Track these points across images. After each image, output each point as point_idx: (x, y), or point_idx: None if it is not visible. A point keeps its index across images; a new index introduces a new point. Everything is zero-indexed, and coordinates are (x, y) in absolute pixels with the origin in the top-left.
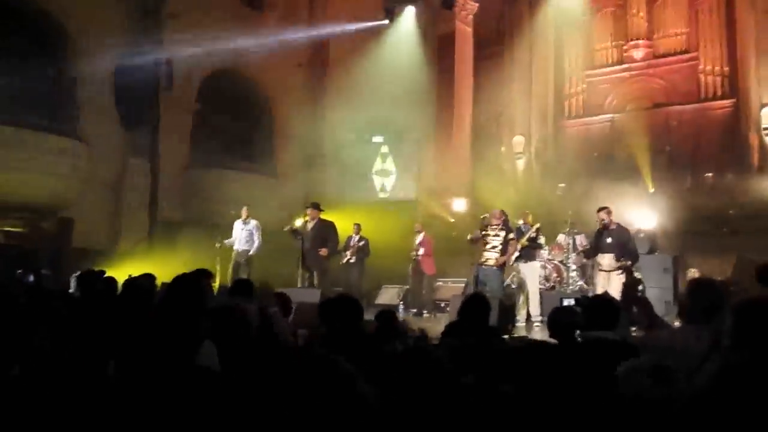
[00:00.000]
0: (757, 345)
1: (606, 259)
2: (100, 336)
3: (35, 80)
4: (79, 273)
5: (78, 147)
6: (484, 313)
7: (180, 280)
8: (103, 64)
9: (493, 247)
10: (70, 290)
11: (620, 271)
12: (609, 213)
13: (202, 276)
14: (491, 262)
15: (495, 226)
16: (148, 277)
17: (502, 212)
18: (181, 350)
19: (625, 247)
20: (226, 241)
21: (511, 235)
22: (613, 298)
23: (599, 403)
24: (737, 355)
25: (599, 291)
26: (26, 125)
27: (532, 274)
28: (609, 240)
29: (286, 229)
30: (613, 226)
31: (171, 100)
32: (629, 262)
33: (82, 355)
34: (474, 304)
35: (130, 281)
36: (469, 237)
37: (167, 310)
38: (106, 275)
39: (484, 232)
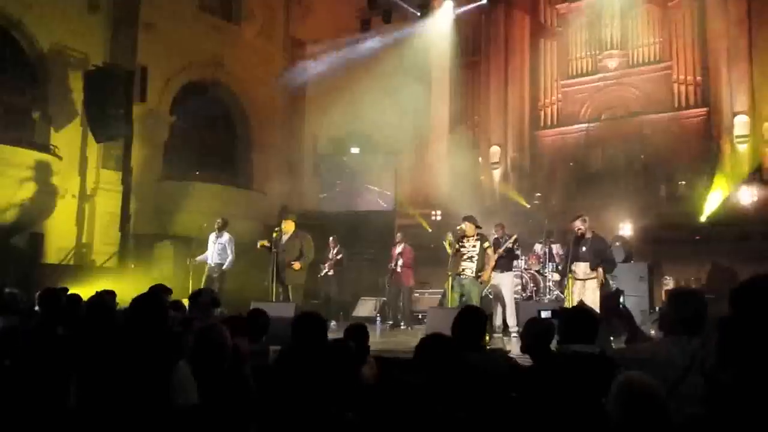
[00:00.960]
0: (742, 363)
1: (581, 268)
2: (60, 356)
3: (4, 93)
4: (39, 291)
5: (49, 160)
6: (478, 327)
7: (139, 301)
8: (74, 74)
9: (470, 258)
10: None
11: (595, 280)
12: (584, 221)
13: (160, 292)
14: (468, 272)
15: (471, 237)
16: (109, 294)
17: (474, 220)
18: (148, 379)
19: (602, 255)
20: (197, 259)
21: (487, 244)
22: (591, 310)
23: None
24: (724, 375)
25: (575, 300)
26: None
27: (508, 284)
28: (584, 249)
29: (259, 246)
30: (588, 235)
31: (145, 112)
32: (601, 269)
33: (42, 376)
34: (468, 319)
35: (91, 300)
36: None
37: (130, 335)
38: (69, 292)
39: (459, 243)
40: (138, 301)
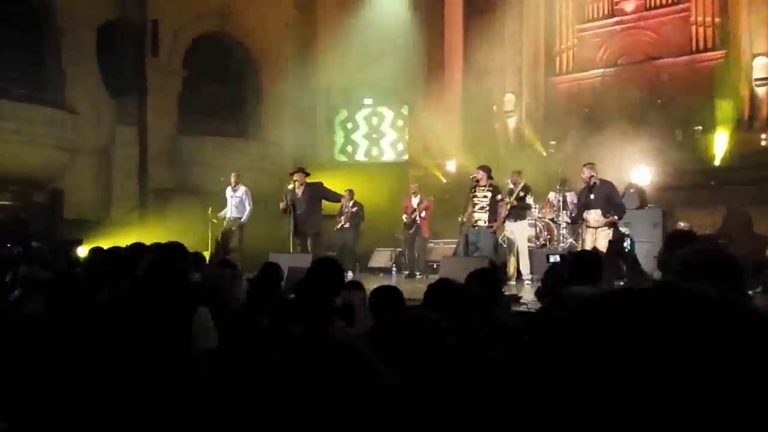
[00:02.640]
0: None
1: (592, 215)
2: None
3: (19, 50)
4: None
5: (65, 117)
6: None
7: (163, 248)
8: (87, 30)
9: (482, 208)
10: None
11: (608, 227)
12: (592, 168)
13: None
14: (481, 223)
15: (483, 187)
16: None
17: (488, 170)
18: (176, 320)
19: (611, 201)
20: (219, 214)
21: (499, 196)
22: (596, 252)
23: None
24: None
25: (588, 248)
26: (11, 97)
27: (522, 233)
28: (593, 196)
29: (282, 207)
30: (596, 181)
31: (158, 66)
32: (616, 217)
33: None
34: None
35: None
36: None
37: (153, 279)
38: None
39: (472, 193)
40: (161, 250)
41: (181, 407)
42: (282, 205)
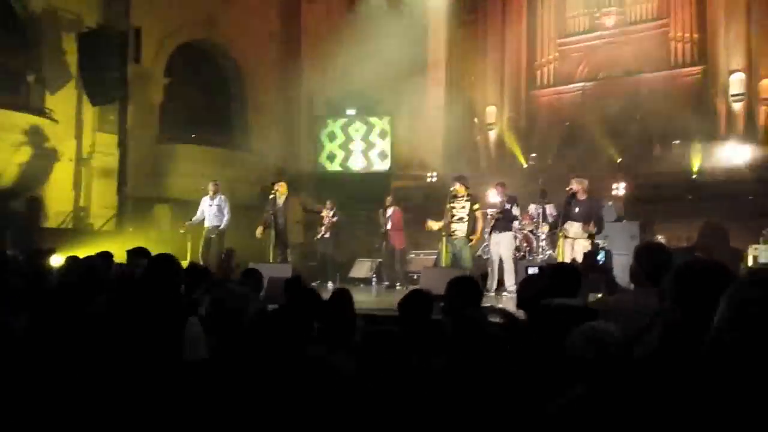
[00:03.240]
0: (693, 303)
1: (573, 227)
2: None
3: None
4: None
5: (44, 124)
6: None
7: (159, 259)
8: (67, 37)
9: (460, 219)
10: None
11: (585, 240)
12: (581, 182)
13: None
14: (459, 234)
15: (461, 198)
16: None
17: (465, 180)
18: (168, 330)
19: (595, 217)
20: (187, 223)
21: (477, 206)
22: (574, 265)
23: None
24: (674, 314)
25: (567, 259)
26: None
27: (508, 244)
28: (577, 209)
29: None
30: (582, 196)
31: (140, 73)
32: (595, 230)
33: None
34: (413, 304)
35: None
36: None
37: (147, 288)
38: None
39: (450, 204)
40: (155, 261)
41: (173, 416)
42: (259, 231)
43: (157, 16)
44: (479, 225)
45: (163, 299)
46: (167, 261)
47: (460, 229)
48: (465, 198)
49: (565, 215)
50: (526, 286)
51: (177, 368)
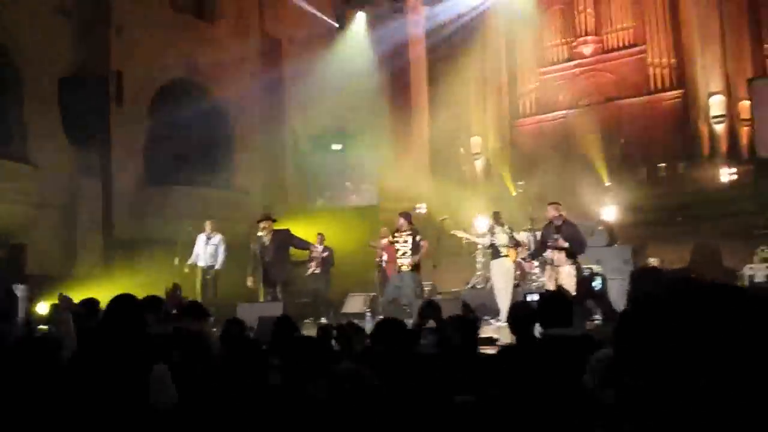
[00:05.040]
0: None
1: (556, 254)
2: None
3: None
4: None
5: (26, 170)
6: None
7: (119, 301)
8: (47, 81)
9: (404, 254)
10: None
11: (570, 266)
12: (557, 209)
13: (133, 297)
14: (404, 268)
15: (404, 232)
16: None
17: (408, 216)
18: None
19: (574, 241)
20: (188, 262)
21: (419, 237)
22: (565, 293)
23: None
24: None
25: (550, 286)
26: None
27: (506, 273)
28: (556, 236)
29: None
30: (558, 222)
31: (122, 116)
32: (574, 252)
33: None
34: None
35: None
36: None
37: (108, 333)
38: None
39: (394, 240)
40: (114, 303)
41: None
42: (249, 281)
43: (137, 59)
44: (423, 251)
45: (124, 344)
46: (126, 302)
47: (405, 263)
48: (407, 233)
49: (544, 243)
50: (517, 310)
51: (143, 416)
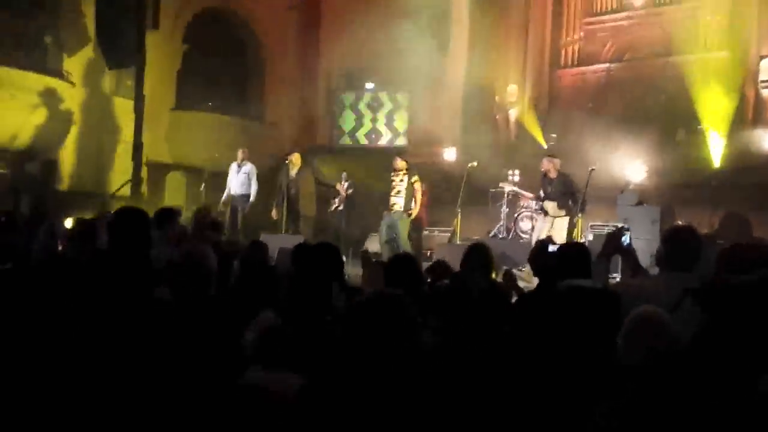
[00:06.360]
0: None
1: (550, 206)
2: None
3: (16, 18)
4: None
5: (61, 86)
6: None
7: (125, 213)
8: (85, 1)
9: (398, 192)
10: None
11: (563, 219)
12: (550, 161)
13: (143, 215)
14: (396, 208)
15: (400, 171)
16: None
17: (405, 155)
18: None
19: (568, 195)
20: (223, 198)
21: (414, 178)
22: (583, 246)
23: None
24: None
25: (542, 235)
26: (7, 63)
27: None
28: (550, 189)
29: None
30: (553, 175)
31: (157, 40)
32: (575, 210)
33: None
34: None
35: None
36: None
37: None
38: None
39: (391, 179)
40: (119, 218)
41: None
42: (274, 213)
43: None
44: (418, 198)
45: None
46: (135, 217)
47: (398, 202)
48: (403, 171)
49: (543, 195)
50: (538, 255)
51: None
